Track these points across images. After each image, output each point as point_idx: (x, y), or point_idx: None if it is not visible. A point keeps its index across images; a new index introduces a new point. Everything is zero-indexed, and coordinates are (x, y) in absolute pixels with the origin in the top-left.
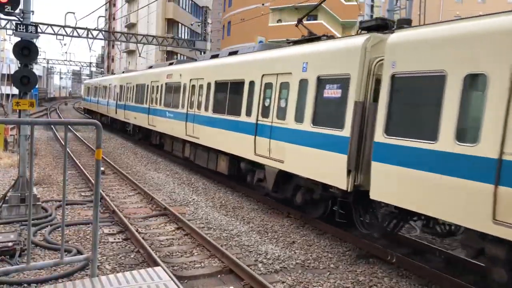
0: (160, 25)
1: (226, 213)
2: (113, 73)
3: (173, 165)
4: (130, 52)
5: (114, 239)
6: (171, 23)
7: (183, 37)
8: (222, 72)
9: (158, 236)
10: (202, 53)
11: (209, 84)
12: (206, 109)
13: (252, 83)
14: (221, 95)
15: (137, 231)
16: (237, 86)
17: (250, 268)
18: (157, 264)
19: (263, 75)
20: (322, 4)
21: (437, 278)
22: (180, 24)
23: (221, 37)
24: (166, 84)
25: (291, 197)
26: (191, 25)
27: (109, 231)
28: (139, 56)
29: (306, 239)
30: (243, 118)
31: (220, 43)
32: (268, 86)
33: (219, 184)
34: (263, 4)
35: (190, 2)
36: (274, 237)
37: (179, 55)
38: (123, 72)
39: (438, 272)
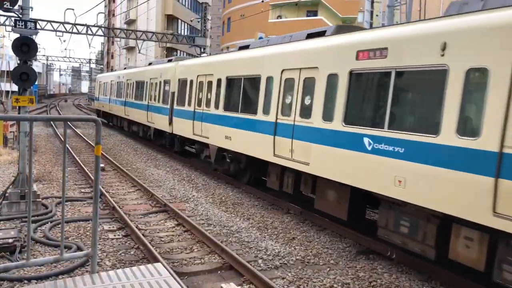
0: (159, 21)
1: (226, 209)
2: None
3: (173, 162)
4: (130, 49)
5: (114, 235)
6: (171, 19)
7: (182, 33)
8: None
9: (158, 232)
10: (202, 49)
11: None
12: None
13: None
14: None
15: (137, 227)
16: None
17: (250, 264)
18: (157, 261)
19: None
20: (323, 0)
21: (436, 274)
22: (179, 20)
23: (221, 33)
24: (352, 73)
25: None
26: (191, 21)
27: (109, 227)
28: (139, 52)
29: (306, 235)
30: None
31: (220, 40)
32: None
33: (219, 181)
34: (263, 1)
35: None
36: (274, 233)
37: (179, 51)
38: (169, 61)
39: (438, 268)
